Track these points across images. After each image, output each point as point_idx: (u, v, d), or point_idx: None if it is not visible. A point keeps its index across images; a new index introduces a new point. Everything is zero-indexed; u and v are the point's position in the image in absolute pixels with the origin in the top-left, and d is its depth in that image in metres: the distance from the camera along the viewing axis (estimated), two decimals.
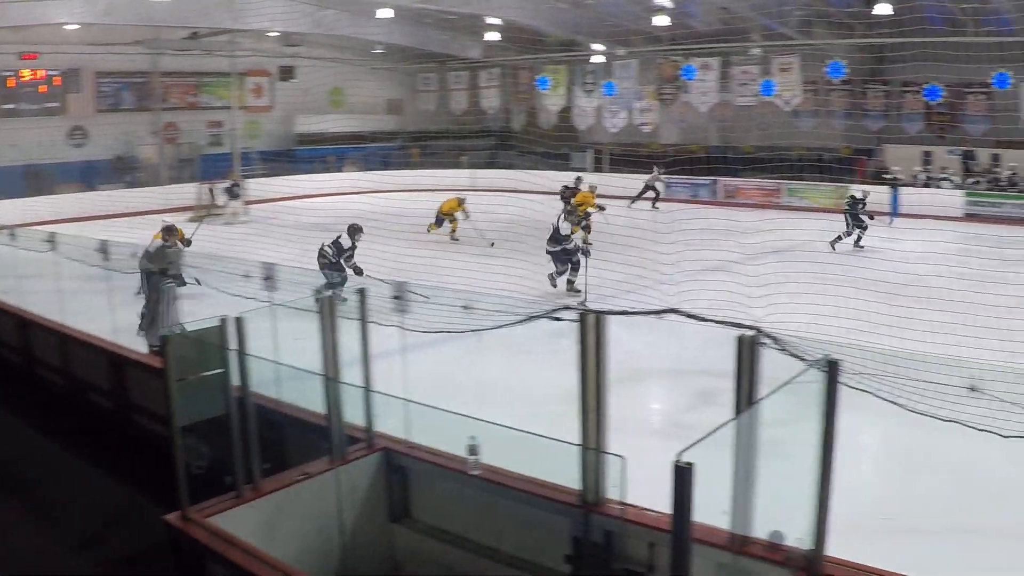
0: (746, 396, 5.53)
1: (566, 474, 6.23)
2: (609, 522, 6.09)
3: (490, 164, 45.11)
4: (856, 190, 27.29)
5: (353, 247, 18.39)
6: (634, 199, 35.54)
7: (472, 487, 6.82)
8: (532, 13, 37.59)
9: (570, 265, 19.40)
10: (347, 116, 44.71)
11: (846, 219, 25.95)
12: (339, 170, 43.14)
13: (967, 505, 9.48)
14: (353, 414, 7.38)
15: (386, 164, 42.76)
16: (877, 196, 33.81)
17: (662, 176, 36.98)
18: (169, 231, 16.98)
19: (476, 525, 7.00)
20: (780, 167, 32.92)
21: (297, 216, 29.60)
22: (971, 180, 35.82)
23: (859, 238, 25.72)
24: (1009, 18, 30.13)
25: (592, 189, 28.89)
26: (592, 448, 6.13)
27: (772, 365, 5.82)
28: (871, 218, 25.82)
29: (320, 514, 7.06)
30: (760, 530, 5.63)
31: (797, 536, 5.50)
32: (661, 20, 35.13)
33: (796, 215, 27.68)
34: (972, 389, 9.22)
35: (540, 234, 20.82)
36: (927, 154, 37.40)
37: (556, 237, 19.33)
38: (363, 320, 7.37)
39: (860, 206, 25.77)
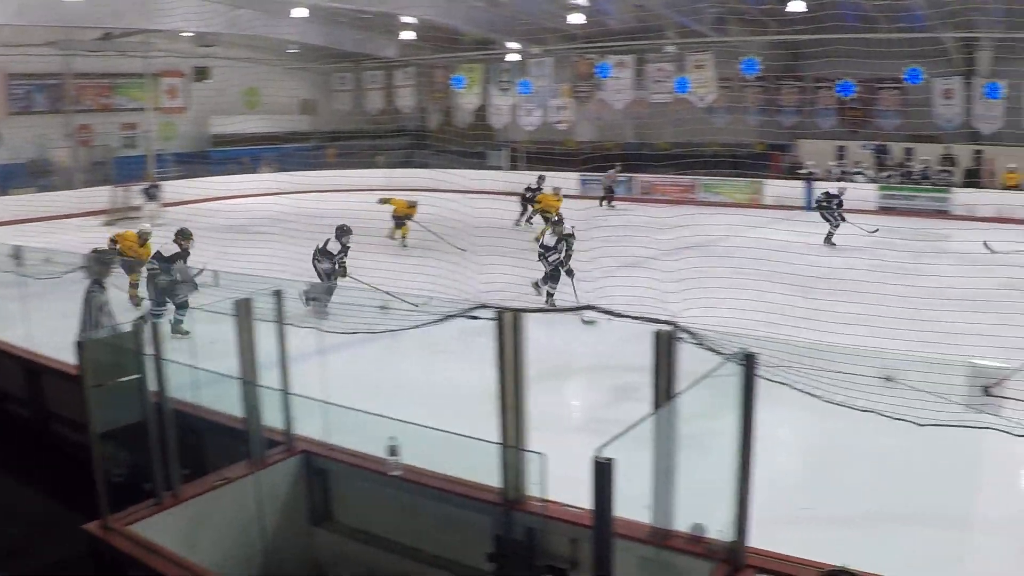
0: (664, 391, 5.55)
1: (487, 472, 6.22)
2: (531, 519, 6.10)
3: (406, 164, 44.95)
4: (832, 187, 27.31)
5: (343, 249, 18.08)
6: (601, 200, 35.66)
7: (393, 488, 6.78)
8: (448, 12, 37.55)
9: (550, 272, 18.48)
10: (262, 117, 44.27)
11: (823, 216, 26.00)
12: (255, 171, 42.73)
13: (885, 492, 9.59)
14: (272, 417, 7.31)
15: (301, 165, 42.41)
16: (791, 191, 34.30)
17: (619, 175, 36.98)
18: (183, 235, 16.75)
19: (398, 526, 6.97)
20: (695, 163, 33.15)
21: (213, 218, 29.28)
22: (884, 174, 36.30)
23: (832, 233, 25.81)
24: (921, 14, 30.56)
25: (556, 191, 28.67)
26: (512, 446, 6.12)
27: (691, 360, 5.84)
28: (841, 218, 25.82)
29: (241, 519, 6.98)
30: (682, 523, 5.66)
31: (718, 528, 5.54)
32: (576, 18, 35.28)
33: (712, 210, 27.84)
34: (887, 379, 9.33)
35: (456, 234, 20.80)
36: (841, 149, 37.87)
37: (542, 248, 18.55)
38: (280, 323, 7.31)
39: (836, 203, 25.82)
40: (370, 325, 13.09)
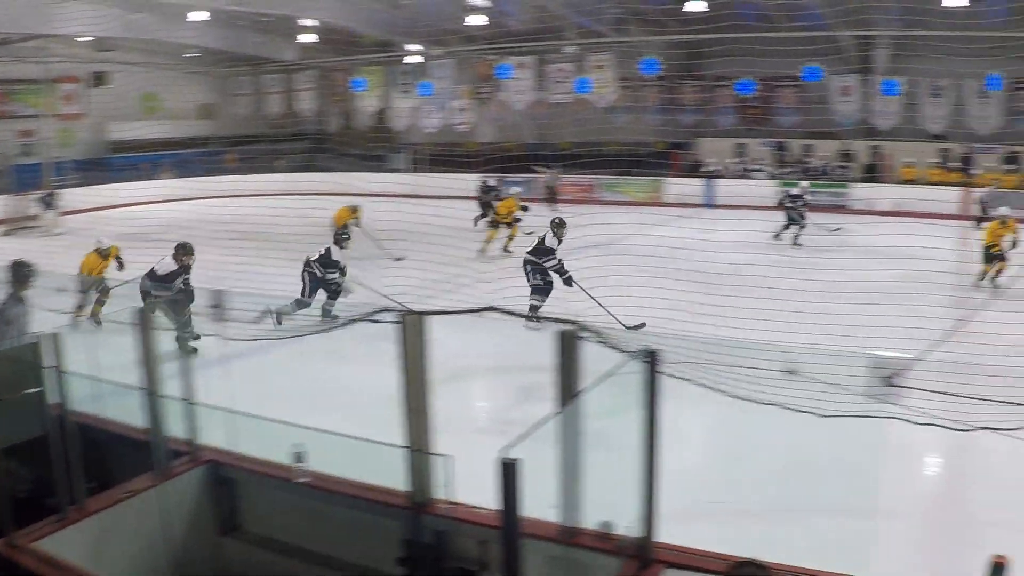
0: (568, 390, 5.55)
1: (394, 477, 6.17)
2: (439, 522, 6.08)
3: (306, 168, 44.69)
4: (794, 186, 27.45)
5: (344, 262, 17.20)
6: (551, 201, 35.56)
7: (300, 495, 6.70)
8: (348, 14, 37.31)
9: (541, 287, 16.84)
10: (162, 122, 43.44)
11: (789, 217, 26.06)
12: (154, 177, 42.13)
13: (792, 484, 9.71)
14: (177, 427, 7.21)
15: (201, 170, 41.95)
16: (692, 189, 34.61)
17: (560, 176, 36.89)
18: (184, 250, 15.57)
19: (307, 533, 6.90)
20: (596, 163, 33.24)
21: (113, 226, 28.85)
22: (784, 170, 36.74)
23: (784, 230, 26.02)
24: (819, 13, 30.97)
25: (516, 195, 28.28)
26: (418, 449, 6.09)
27: (598, 358, 5.87)
28: (803, 217, 25.95)
29: (147, 531, 6.86)
30: (590, 520, 5.67)
31: (627, 524, 5.56)
32: (477, 19, 35.23)
33: (613, 209, 27.96)
34: (789, 372, 9.43)
35: (358, 237, 20.67)
36: (741, 146, 38.31)
37: (539, 250, 17.01)
38: (182, 331, 7.22)
39: (799, 202, 25.92)
40: (271, 331, 13.02)
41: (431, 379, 6.03)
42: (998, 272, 18.92)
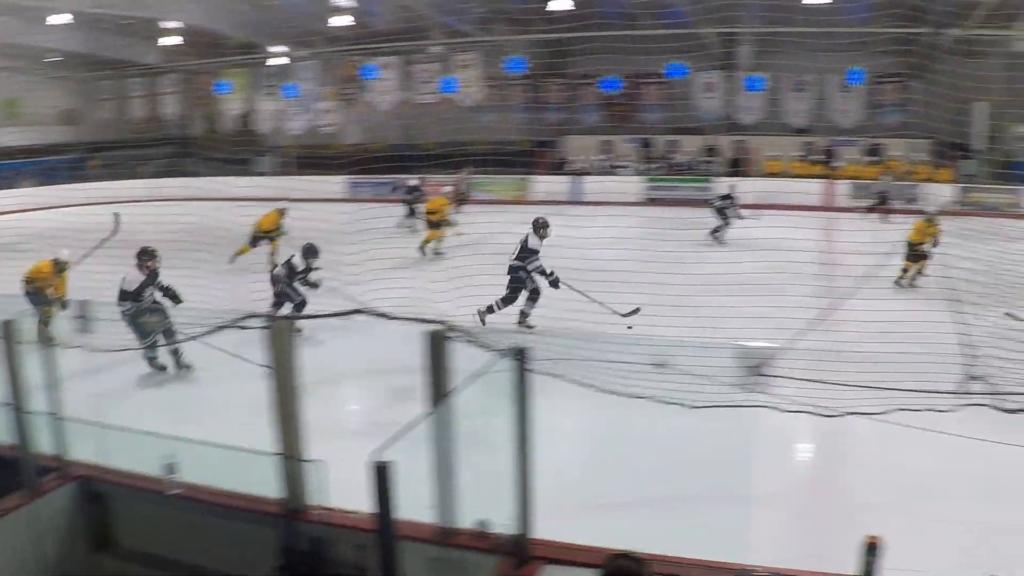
0: (439, 390, 5.57)
1: (268, 484, 6.14)
2: (315, 528, 6.06)
3: (171, 172, 43.99)
4: (724, 187, 27.52)
5: (308, 269, 16.05)
6: (458, 204, 35.26)
7: (174, 507, 6.61)
8: (212, 16, 36.80)
9: (528, 292, 16.15)
10: (23, 129, 42.47)
11: (720, 216, 25.93)
12: (14, 186, 41.13)
13: (667, 475, 9.78)
14: (46, 443, 7.02)
15: (63, 178, 41.09)
16: (558, 187, 34.82)
17: (471, 176, 36.59)
18: (147, 255, 13.92)
19: (182, 546, 6.80)
20: (463, 162, 33.24)
21: None
22: (650, 166, 37.08)
23: (718, 230, 25.91)
24: (683, 10, 31.35)
25: (446, 194, 27.71)
26: (290, 455, 6.04)
27: (471, 358, 5.89)
28: (738, 216, 25.94)
29: (19, 551, 6.69)
30: (467, 520, 5.73)
31: (504, 522, 5.58)
32: (342, 20, 35.02)
33: (480, 208, 27.94)
34: (659, 365, 9.49)
35: (224, 243, 20.40)
36: (606, 143, 38.59)
37: (524, 252, 16.22)
38: (48, 343, 7.04)
39: (729, 201, 25.95)
40: (137, 342, 12.77)
41: (302, 384, 5.98)
42: (919, 271, 19.04)
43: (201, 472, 6.47)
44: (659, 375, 9.34)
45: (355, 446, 5.44)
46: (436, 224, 23.59)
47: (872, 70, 34.03)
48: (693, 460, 10.05)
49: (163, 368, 13.58)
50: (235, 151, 41.90)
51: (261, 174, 41.87)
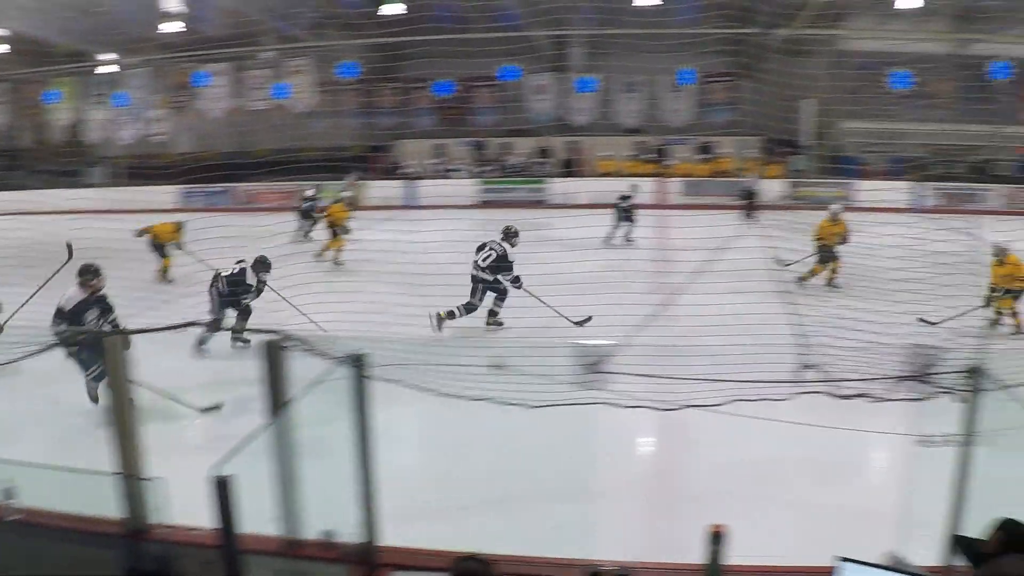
0: (278, 400, 5.49)
1: (109, 504, 6.02)
2: (159, 547, 5.95)
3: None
4: (625, 187, 27.15)
5: (260, 283, 15.39)
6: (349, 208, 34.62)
7: (14, 533, 6.39)
8: (40, 23, 35.88)
9: (495, 295, 16.15)
10: None
11: (619, 216, 25.85)
12: None
13: (513, 475, 9.85)
14: None
15: None
16: (392, 191, 34.76)
17: (358, 181, 35.85)
18: (90, 272, 12.10)
19: (25, 572, 6.56)
20: (296, 169, 32.94)
21: None
22: (484, 168, 37.24)
23: (617, 230, 25.86)
24: (515, 13, 31.56)
25: (343, 201, 26.89)
26: (130, 474, 5.92)
27: (311, 368, 5.78)
28: (631, 219, 25.82)
29: None
30: (313, 530, 5.71)
31: (350, 531, 5.54)
32: (172, 26, 34.44)
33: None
34: (496, 366, 9.50)
35: (55, 257, 19.85)
36: (440, 147, 38.67)
37: (500, 265, 16.02)
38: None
39: (627, 201, 25.89)
40: None
41: (141, 399, 5.86)
42: (834, 272, 19.04)
43: (41, 496, 6.27)
44: (498, 376, 9.35)
45: (197, 461, 5.33)
46: (336, 232, 23.28)
47: (702, 70, 34.79)
48: (537, 459, 10.11)
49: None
50: (65, 162, 40.96)
51: (91, 185, 40.97)
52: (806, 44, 32.26)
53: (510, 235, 16.50)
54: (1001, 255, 15.77)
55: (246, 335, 14.71)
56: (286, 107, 37.02)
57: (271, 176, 34.64)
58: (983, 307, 15.72)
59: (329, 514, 5.71)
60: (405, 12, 31.33)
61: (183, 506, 5.75)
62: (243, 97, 38.04)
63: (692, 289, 15.42)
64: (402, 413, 10.08)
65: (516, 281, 15.85)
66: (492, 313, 16.09)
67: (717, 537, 5.16)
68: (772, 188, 31.65)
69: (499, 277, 15.84)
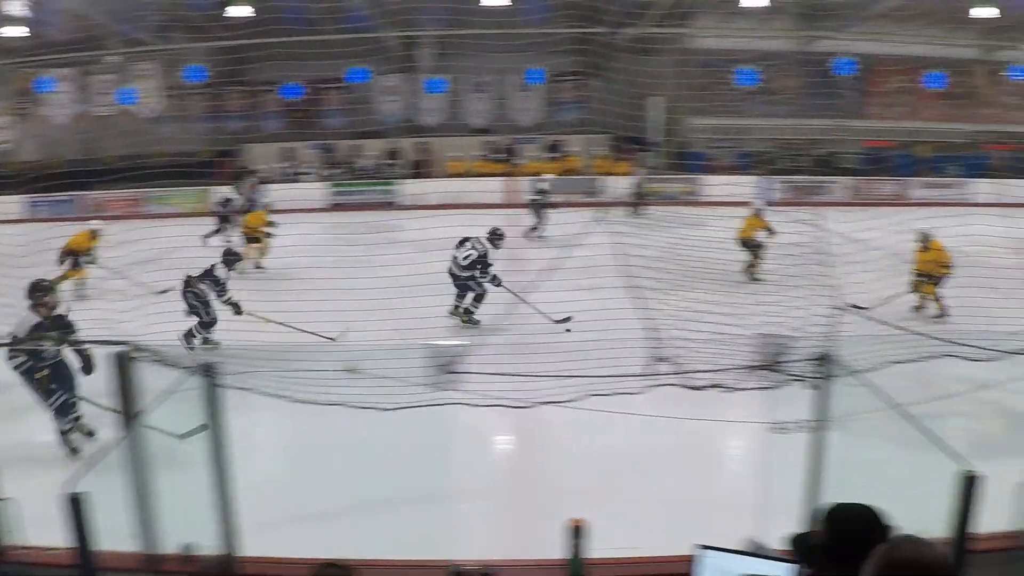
0: (129, 413, 5.44)
1: None
2: (14, 569, 5.82)
3: None
4: (543, 182, 26.92)
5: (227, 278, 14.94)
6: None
7: None
8: None
9: (472, 293, 16.40)
10: None
11: (535, 211, 25.91)
12: None
13: (371, 480, 9.85)
14: None
15: None
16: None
17: (257, 186, 34.73)
18: (40, 290, 10.81)
19: None
20: (143, 175, 32.38)
21: None
22: (333, 171, 37.06)
23: (540, 224, 25.73)
24: (363, 15, 31.44)
25: (267, 206, 25.97)
26: None
27: (164, 378, 5.74)
28: (548, 211, 25.54)
29: None
30: (172, 544, 5.61)
31: (209, 543, 5.51)
32: (14, 30, 33.58)
33: (163, 222, 27.29)
34: (349, 371, 9.54)
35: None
36: (288, 150, 38.33)
37: (479, 263, 16.25)
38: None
39: (543, 197, 25.96)
40: None
41: None
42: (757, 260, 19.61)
43: None
44: (352, 381, 9.38)
45: (50, 479, 5.30)
46: (255, 239, 22.82)
47: (551, 69, 35.05)
48: (394, 462, 10.16)
49: (75, 451, 10.38)
50: None
51: None
52: (653, 42, 32.75)
53: (495, 237, 16.85)
54: (925, 241, 16.30)
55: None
56: (133, 112, 36.34)
57: (119, 183, 33.97)
58: (908, 292, 16.25)
59: (187, 527, 5.63)
60: (253, 14, 30.92)
61: (38, 525, 5.61)
62: (89, 103, 37.25)
63: (543, 287, 15.54)
64: (256, 420, 10.06)
65: (495, 280, 16.23)
66: (468, 312, 16.46)
67: (577, 531, 5.28)
68: (620, 185, 31.94)
69: (475, 275, 16.24)
